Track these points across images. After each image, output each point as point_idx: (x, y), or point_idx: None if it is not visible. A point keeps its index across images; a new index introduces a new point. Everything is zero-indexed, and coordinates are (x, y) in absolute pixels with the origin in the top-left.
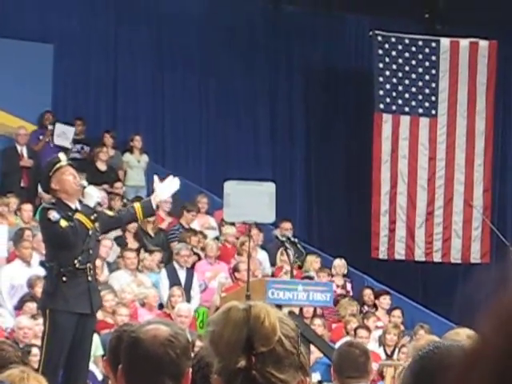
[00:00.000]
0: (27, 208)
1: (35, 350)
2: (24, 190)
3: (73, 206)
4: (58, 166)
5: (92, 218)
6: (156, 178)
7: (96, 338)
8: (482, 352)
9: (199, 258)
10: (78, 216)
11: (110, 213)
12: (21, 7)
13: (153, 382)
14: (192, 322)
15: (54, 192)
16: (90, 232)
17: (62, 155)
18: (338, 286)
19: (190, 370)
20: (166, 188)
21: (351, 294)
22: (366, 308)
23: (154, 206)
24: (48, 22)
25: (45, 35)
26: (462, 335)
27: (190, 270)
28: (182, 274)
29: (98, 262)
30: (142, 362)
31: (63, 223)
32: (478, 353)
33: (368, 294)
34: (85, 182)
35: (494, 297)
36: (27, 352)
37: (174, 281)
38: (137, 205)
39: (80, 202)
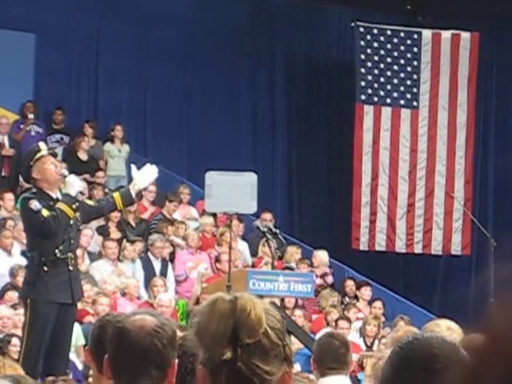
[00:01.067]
0: (9, 197)
1: (15, 340)
2: (5, 180)
3: (54, 196)
4: (38, 155)
5: (74, 207)
6: (133, 166)
7: (77, 328)
8: (493, 352)
9: (174, 249)
10: (59, 205)
11: (91, 202)
12: None
13: (139, 371)
14: (173, 313)
15: (35, 181)
16: (72, 221)
17: (42, 144)
18: (317, 277)
19: (176, 360)
20: (144, 176)
21: (331, 284)
22: (347, 299)
23: (134, 195)
24: (31, 11)
25: (27, 24)
26: (442, 326)
27: (165, 261)
28: (157, 265)
29: (79, 252)
30: (129, 352)
31: (45, 213)
32: (489, 353)
33: (350, 285)
34: (66, 171)
35: (500, 296)
36: (7, 342)
37: (148, 271)
38: (116, 194)
39: (60, 191)
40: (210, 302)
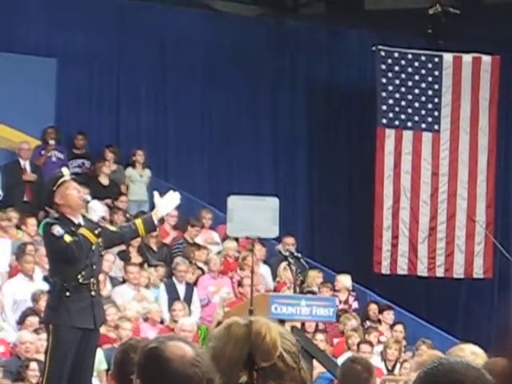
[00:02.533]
0: (32, 222)
1: (33, 365)
2: (27, 204)
3: (76, 221)
4: (61, 180)
5: (96, 232)
6: (156, 193)
7: (99, 353)
8: None
9: (203, 273)
10: (82, 231)
11: (113, 228)
12: (25, 21)
13: None
14: (194, 338)
15: (58, 207)
16: (94, 247)
17: (65, 170)
18: (340, 302)
19: None
20: (167, 203)
21: (356, 308)
22: (368, 323)
23: (156, 222)
24: (52, 36)
25: (48, 49)
26: (467, 351)
27: (190, 285)
28: (181, 289)
29: (101, 277)
30: (170, 381)
31: (67, 238)
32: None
33: (373, 308)
34: (88, 197)
35: None
36: (25, 366)
37: (172, 295)
38: (138, 220)
39: (83, 216)
40: (225, 327)
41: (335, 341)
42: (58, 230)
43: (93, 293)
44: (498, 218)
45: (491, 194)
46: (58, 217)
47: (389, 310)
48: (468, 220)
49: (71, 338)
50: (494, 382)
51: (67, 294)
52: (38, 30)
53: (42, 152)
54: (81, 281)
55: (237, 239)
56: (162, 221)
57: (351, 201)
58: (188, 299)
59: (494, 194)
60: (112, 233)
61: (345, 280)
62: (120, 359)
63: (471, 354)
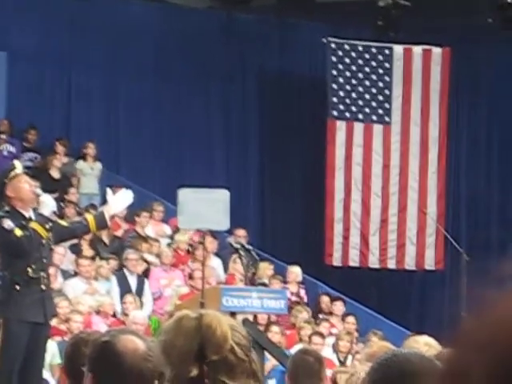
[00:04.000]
0: None
1: None
2: None
3: (27, 215)
4: (13, 173)
5: (47, 227)
6: (109, 190)
7: (53, 346)
8: (462, 374)
9: (148, 266)
10: (32, 225)
11: (64, 223)
12: None
13: None
14: (146, 330)
15: (9, 199)
16: (44, 241)
17: (17, 163)
18: (292, 294)
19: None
20: (120, 201)
21: (305, 300)
22: (320, 315)
23: (108, 219)
24: (2, 30)
25: None
26: (420, 343)
27: (141, 277)
28: (133, 281)
29: (52, 270)
30: (123, 375)
31: (18, 232)
32: (458, 375)
33: (325, 301)
34: (39, 191)
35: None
36: None
37: (124, 288)
38: (89, 216)
39: (34, 210)
40: (175, 320)
41: (287, 333)
42: (8, 223)
43: (43, 286)
44: (448, 209)
45: (442, 186)
46: (8, 210)
47: (338, 301)
48: (419, 212)
49: (22, 332)
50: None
51: (17, 287)
52: None
53: None
54: (31, 274)
55: (187, 231)
56: (111, 217)
57: (303, 193)
58: (139, 291)
59: (444, 186)
60: (63, 228)
61: (295, 272)
62: (71, 352)
63: (425, 345)
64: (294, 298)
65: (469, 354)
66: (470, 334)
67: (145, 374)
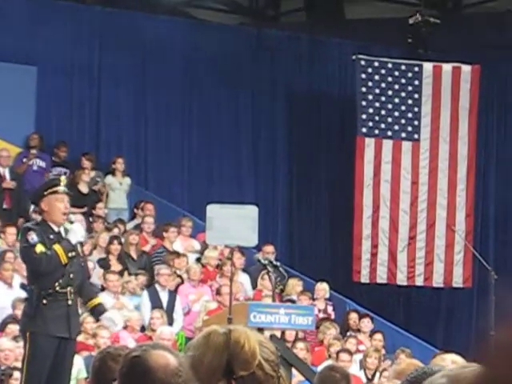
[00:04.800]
0: (11, 231)
1: (16, 374)
2: (6, 212)
3: (56, 229)
4: (55, 189)
5: (69, 255)
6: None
7: (79, 361)
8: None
9: (182, 281)
10: (56, 247)
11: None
12: (5, 29)
13: None
14: (173, 346)
15: (41, 211)
16: (69, 261)
17: (63, 179)
18: (319, 310)
19: None
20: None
21: (333, 317)
22: (349, 332)
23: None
24: (32, 44)
25: (28, 57)
26: (447, 360)
27: (173, 293)
28: (164, 296)
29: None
30: None
31: (39, 248)
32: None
33: (354, 317)
34: (72, 217)
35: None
36: (8, 375)
37: (155, 303)
38: (97, 300)
39: (65, 230)
40: (204, 335)
41: (315, 349)
42: (32, 237)
43: (69, 302)
44: (476, 227)
45: (470, 204)
46: (39, 222)
47: (365, 318)
48: (447, 229)
49: (48, 346)
50: None
51: (44, 301)
52: (18, 38)
53: (24, 160)
54: (57, 289)
55: (217, 247)
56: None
57: (331, 209)
58: (171, 307)
59: (473, 204)
60: (83, 268)
61: (323, 288)
62: (98, 367)
63: (452, 362)
64: (321, 315)
65: (499, 370)
66: (499, 350)
67: None
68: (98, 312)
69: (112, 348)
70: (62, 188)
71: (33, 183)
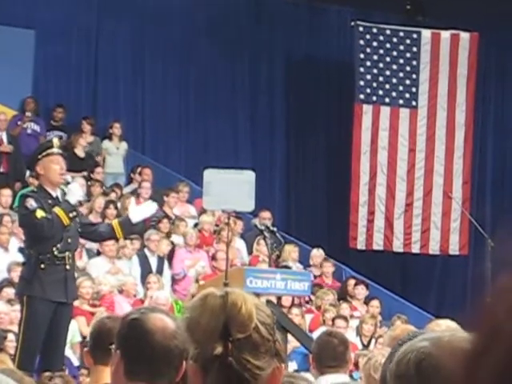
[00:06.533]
0: (6, 193)
1: (11, 336)
2: (3, 176)
3: (54, 194)
4: (49, 151)
5: (70, 215)
6: (133, 200)
7: (74, 325)
8: (493, 339)
9: (173, 246)
10: (56, 210)
11: (89, 220)
12: None
13: (160, 372)
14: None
15: (38, 176)
16: (68, 225)
17: (55, 141)
18: (315, 276)
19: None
20: (141, 211)
21: (329, 283)
22: (348, 298)
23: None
24: (30, 8)
25: (27, 21)
26: (442, 326)
27: (161, 258)
28: (154, 262)
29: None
30: (152, 353)
31: (39, 214)
32: (488, 340)
33: (352, 284)
34: (69, 178)
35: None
36: (3, 337)
37: (145, 268)
38: (114, 222)
39: (62, 191)
40: (200, 298)
41: (310, 315)
42: (31, 203)
43: (67, 266)
44: (473, 194)
45: (467, 171)
46: (35, 189)
47: (361, 285)
48: (444, 196)
49: (44, 310)
50: (467, 348)
51: (42, 266)
52: (16, 1)
53: (19, 122)
54: (56, 253)
55: (213, 213)
56: (144, 229)
57: (328, 176)
58: (159, 272)
59: (470, 171)
60: (88, 225)
61: (317, 254)
62: (97, 332)
63: (447, 328)
64: (316, 281)
65: (489, 337)
66: (491, 317)
67: (172, 351)
68: (127, 227)
69: (109, 316)
70: (55, 150)
71: (30, 146)
